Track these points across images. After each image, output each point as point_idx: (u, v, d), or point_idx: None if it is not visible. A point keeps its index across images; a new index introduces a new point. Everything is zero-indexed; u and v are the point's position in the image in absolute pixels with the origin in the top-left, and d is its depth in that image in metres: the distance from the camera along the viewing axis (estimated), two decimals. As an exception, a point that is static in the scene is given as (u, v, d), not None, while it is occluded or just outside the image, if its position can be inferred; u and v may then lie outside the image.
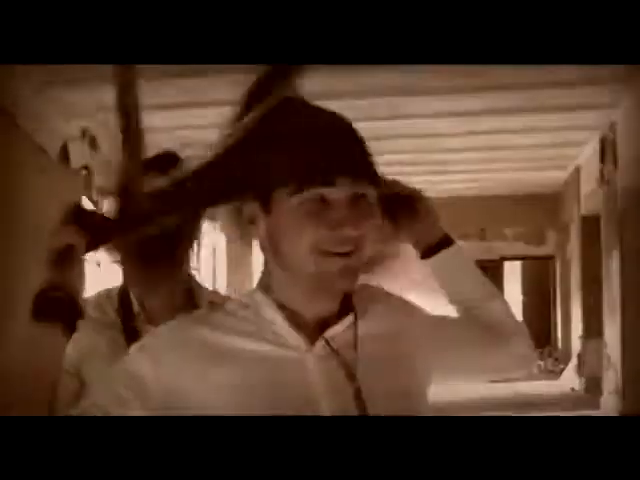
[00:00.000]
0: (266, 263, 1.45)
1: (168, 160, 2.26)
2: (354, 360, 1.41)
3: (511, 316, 1.67)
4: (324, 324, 1.41)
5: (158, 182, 2.02)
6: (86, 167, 4.48)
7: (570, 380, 8.89)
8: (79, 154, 4.43)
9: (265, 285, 1.43)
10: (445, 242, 1.58)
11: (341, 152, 1.31)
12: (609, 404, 6.21)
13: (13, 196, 3.96)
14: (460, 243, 1.62)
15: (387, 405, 1.41)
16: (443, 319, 1.60)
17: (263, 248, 1.41)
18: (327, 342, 1.40)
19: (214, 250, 9.18)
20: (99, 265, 4.98)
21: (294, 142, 1.31)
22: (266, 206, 1.32)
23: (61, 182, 4.13)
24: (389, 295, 1.60)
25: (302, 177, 1.29)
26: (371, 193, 1.35)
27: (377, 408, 1.38)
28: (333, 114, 1.37)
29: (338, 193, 1.28)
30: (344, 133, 1.34)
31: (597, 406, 6.75)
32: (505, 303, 1.67)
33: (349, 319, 1.43)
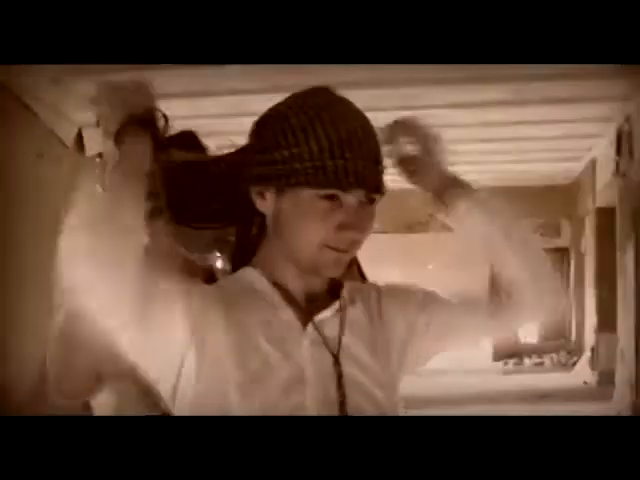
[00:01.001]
0: (264, 238, 1.50)
1: (188, 138, 2.29)
2: (338, 347, 1.47)
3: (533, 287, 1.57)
4: (312, 301, 1.48)
5: (179, 156, 2.08)
6: (100, 155, 4.48)
7: (583, 373, 8.88)
8: (93, 142, 4.44)
9: (257, 262, 1.48)
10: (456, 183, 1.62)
11: (361, 164, 1.39)
12: (621, 397, 6.20)
13: (31, 185, 3.98)
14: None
15: (365, 391, 1.48)
16: (439, 303, 1.61)
17: (267, 222, 1.47)
18: (316, 327, 1.46)
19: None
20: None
21: (321, 141, 1.38)
22: (280, 188, 1.39)
23: (76, 170, 4.14)
24: (377, 285, 1.63)
25: (322, 178, 1.36)
26: (378, 198, 1.43)
27: (356, 395, 1.45)
28: (362, 118, 1.43)
29: (350, 198, 1.35)
30: (366, 143, 1.39)
31: (609, 399, 6.74)
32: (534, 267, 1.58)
33: (336, 305, 1.49)
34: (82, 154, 4.39)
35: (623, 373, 6.17)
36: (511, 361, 11.15)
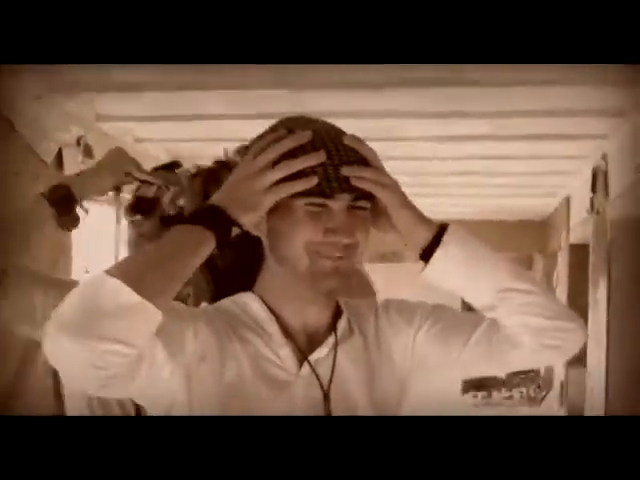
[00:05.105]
0: (263, 265, 1.51)
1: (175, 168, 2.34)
2: (329, 384, 1.48)
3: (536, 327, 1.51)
4: (311, 335, 1.48)
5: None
6: (78, 174, 4.48)
7: (552, 408, 8.89)
8: (73, 161, 4.43)
9: (257, 289, 1.50)
10: (435, 242, 1.53)
11: (342, 168, 1.42)
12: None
13: (9, 201, 3.96)
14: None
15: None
16: (445, 327, 1.58)
17: (263, 245, 1.49)
18: (312, 367, 1.46)
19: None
20: (87, 272, 4.97)
21: (297, 152, 1.42)
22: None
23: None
24: (377, 306, 1.63)
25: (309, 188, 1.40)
26: (367, 205, 1.48)
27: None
28: (335, 128, 1.46)
29: (337, 204, 1.37)
30: (344, 148, 1.41)
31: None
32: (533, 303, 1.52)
33: (331, 340, 1.49)
34: (61, 172, 4.38)
35: (592, 408, 6.19)
36: (480, 394, 11.14)
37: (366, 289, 2.01)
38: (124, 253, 2.46)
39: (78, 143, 4.45)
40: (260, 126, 1.59)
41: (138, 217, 2.31)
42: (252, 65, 3.30)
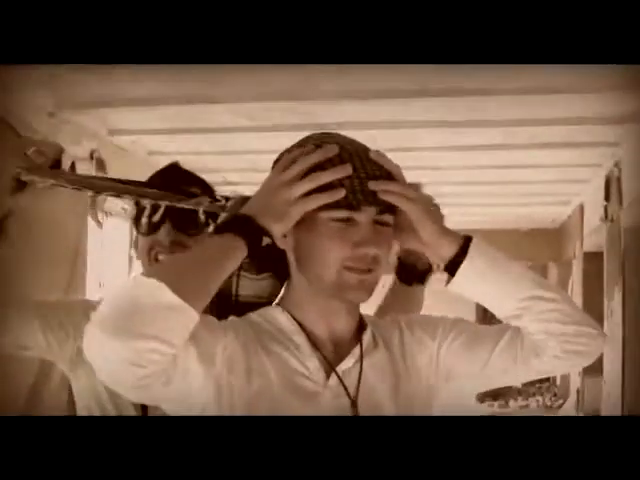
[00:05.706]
0: (288, 278, 1.54)
1: (176, 171, 2.33)
2: (356, 392, 1.49)
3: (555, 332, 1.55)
4: (337, 345, 1.50)
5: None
6: (92, 188, 4.49)
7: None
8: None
9: (284, 302, 1.52)
10: (461, 253, 1.56)
11: (367, 182, 1.45)
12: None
13: (24, 217, 3.97)
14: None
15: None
16: (469, 339, 1.60)
17: (289, 259, 1.51)
18: (339, 378, 1.48)
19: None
20: (101, 286, 4.99)
21: (325, 165, 1.45)
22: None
23: (68, 203, 4.14)
24: (401, 323, 1.64)
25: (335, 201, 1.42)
26: (390, 220, 1.51)
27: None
28: (360, 144, 1.48)
29: (363, 216, 1.39)
30: (369, 162, 1.44)
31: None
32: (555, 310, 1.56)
33: (357, 351, 1.51)
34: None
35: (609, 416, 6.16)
36: (496, 403, 11.11)
37: (415, 305, 2.04)
38: (137, 266, 2.46)
39: (91, 157, 4.47)
40: (273, 138, 1.61)
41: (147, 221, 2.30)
42: (263, 77, 3.32)
